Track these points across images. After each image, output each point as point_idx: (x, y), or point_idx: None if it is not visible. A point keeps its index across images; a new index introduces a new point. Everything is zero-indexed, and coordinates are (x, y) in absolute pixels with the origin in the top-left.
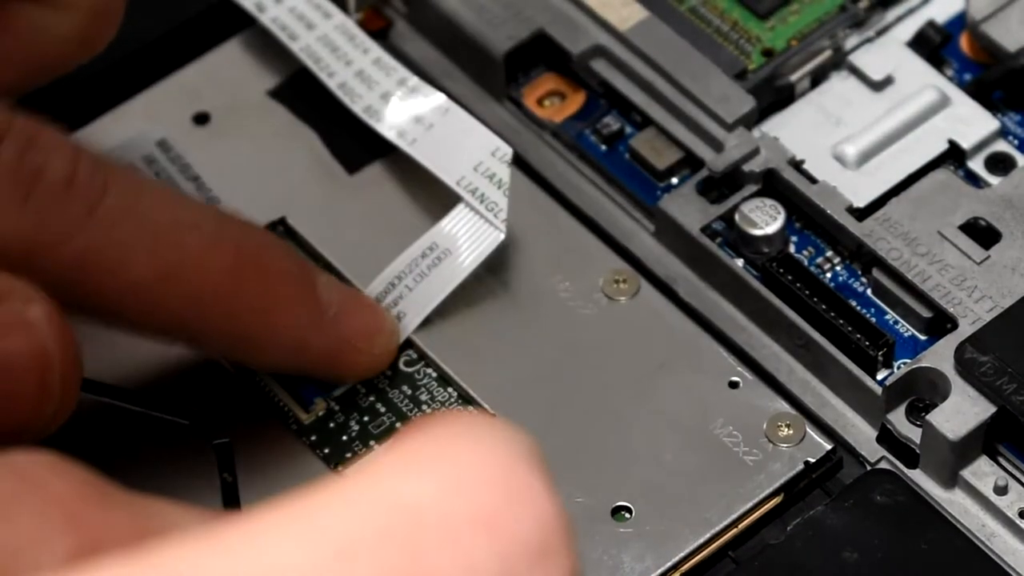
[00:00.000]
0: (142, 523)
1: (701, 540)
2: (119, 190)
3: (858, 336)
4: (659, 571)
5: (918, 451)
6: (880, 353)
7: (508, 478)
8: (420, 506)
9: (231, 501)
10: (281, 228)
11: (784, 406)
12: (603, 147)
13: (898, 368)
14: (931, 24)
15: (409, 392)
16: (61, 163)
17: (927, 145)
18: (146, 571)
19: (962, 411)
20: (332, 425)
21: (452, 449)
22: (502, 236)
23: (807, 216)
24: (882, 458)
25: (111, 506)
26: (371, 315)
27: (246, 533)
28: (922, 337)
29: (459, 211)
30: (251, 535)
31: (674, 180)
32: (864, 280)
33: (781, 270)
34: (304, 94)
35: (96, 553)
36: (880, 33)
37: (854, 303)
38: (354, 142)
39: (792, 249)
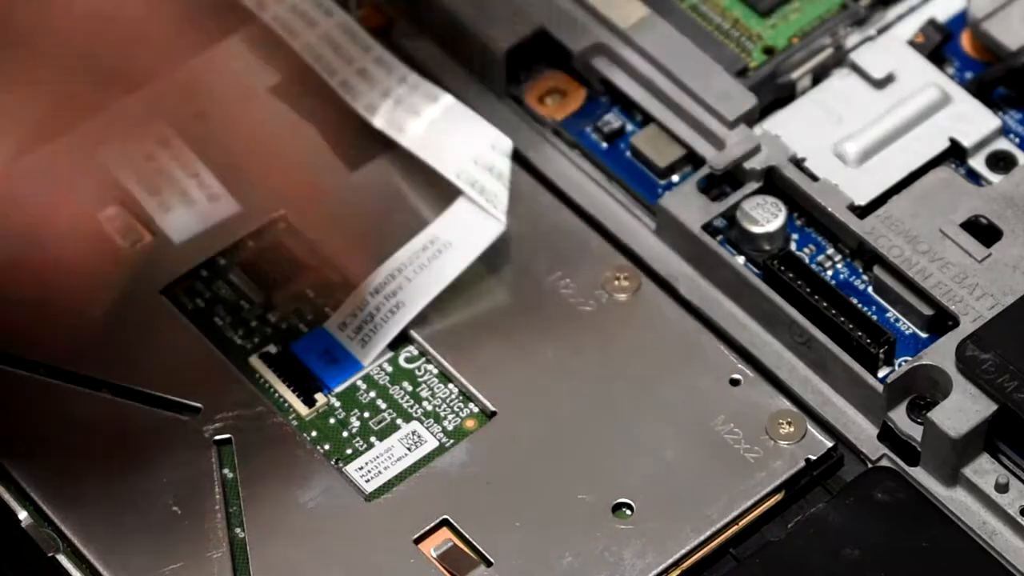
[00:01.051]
0: None
1: (702, 537)
2: None
3: (859, 334)
4: (660, 568)
5: (919, 449)
6: (881, 351)
7: None
8: None
9: (232, 497)
10: (282, 224)
11: (785, 403)
12: (604, 144)
13: (899, 366)
14: (932, 22)
15: (410, 388)
16: None
17: (928, 143)
18: None
19: (963, 409)
20: (333, 421)
21: None
22: (502, 227)
23: (808, 214)
24: (883, 456)
25: None
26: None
27: None
28: (923, 335)
29: (460, 204)
30: None
31: (675, 178)
32: (865, 278)
33: (782, 268)
34: (305, 90)
35: None
36: (881, 31)
37: (855, 301)
38: (355, 138)
39: (793, 247)
